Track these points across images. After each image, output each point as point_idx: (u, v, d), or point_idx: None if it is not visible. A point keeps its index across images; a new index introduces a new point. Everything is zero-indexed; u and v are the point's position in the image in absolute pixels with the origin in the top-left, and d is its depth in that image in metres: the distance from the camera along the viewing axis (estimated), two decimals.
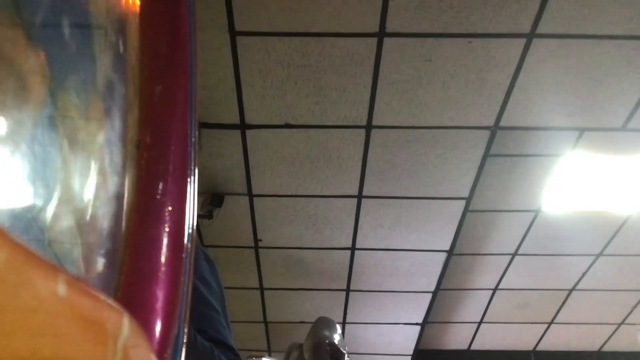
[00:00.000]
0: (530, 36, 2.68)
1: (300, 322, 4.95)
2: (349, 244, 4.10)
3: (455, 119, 3.11)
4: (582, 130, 3.27)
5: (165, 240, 0.49)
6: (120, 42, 0.59)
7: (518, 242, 4.39)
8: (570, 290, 5.08)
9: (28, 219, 0.45)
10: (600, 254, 4.56)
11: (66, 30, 0.53)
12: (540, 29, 2.65)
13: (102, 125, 0.55)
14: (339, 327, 2.51)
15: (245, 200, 3.69)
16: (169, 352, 0.46)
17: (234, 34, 2.67)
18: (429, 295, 4.67)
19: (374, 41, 2.72)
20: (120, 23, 0.60)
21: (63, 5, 0.55)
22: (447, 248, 4.14)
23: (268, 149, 3.31)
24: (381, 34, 2.68)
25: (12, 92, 0.44)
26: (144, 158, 0.53)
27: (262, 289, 4.62)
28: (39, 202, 0.46)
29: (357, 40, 2.71)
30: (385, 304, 4.79)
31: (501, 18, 2.59)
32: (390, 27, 2.65)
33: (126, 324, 0.35)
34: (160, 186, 0.51)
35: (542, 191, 3.86)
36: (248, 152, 3.32)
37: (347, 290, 4.62)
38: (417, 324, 5.09)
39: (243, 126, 3.16)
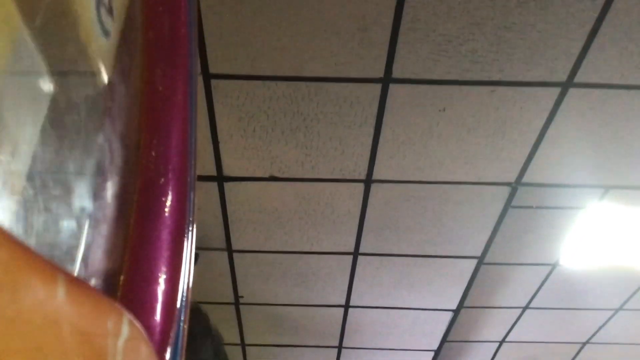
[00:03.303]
0: (567, 85, 2.21)
1: None
2: (343, 302, 3.62)
3: (470, 174, 2.64)
4: (607, 188, 2.82)
5: (165, 240, 0.48)
6: (122, 43, 0.57)
7: (531, 296, 3.95)
8: (584, 344, 4.65)
9: (28, 219, 0.42)
10: (620, 309, 4.14)
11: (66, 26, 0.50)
12: (579, 78, 2.19)
13: (103, 125, 0.54)
14: None
15: (223, 256, 3.20)
16: (169, 350, 0.45)
17: (208, 77, 2.19)
18: (431, 354, 4.19)
19: (377, 87, 2.24)
20: (122, 23, 0.57)
21: None
22: (454, 307, 3.68)
23: (250, 202, 2.83)
24: (386, 80, 2.21)
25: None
26: (144, 158, 0.53)
27: (243, 344, 4.12)
28: (39, 202, 0.44)
29: (358, 86, 2.24)
30: None
31: (533, 65, 2.13)
32: (398, 72, 2.18)
33: (126, 323, 0.35)
34: (160, 186, 0.51)
35: (560, 244, 3.44)
36: (227, 206, 2.84)
37: (339, 347, 4.14)
38: None
39: (221, 178, 2.68)
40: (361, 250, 3.17)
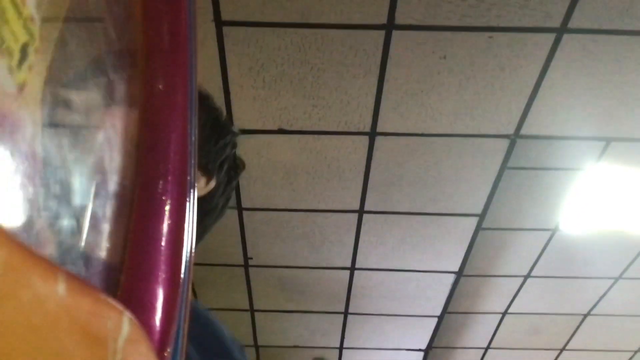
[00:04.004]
0: (562, 31, 2.33)
1: (294, 346, 4.58)
2: (348, 264, 3.73)
3: (471, 126, 2.76)
4: (608, 140, 2.92)
5: (165, 240, 0.49)
6: (121, 40, 0.60)
7: (531, 264, 4.04)
8: (585, 315, 4.73)
9: (28, 219, 0.43)
10: (620, 277, 4.22)
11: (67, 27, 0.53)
12: (573, 23, 2.30)
13: (103, 125, 0.56)
14: None
15: (233, 214, 3.32)
16: (169, 350, 0.45)
17: (220, 23, 2.32)
18: (434, 320, 4.29)
19: (381, 34, 2.37)
20: (121, 21, 0.60)
21: None
22: (456, 269, 3.77)
23: (259, 157, 2.95)
24: (390, 27, 2.33)
25: None
26: (144, 157, 0.52)
27: (252, 310, 4.23)
28: (39, 202, 0.45)
29: (362, 33, 2.36)
30: (386, 328, 4.41)
31: (529, 10, 2.25)
32: (400, 18, 2.30)
33: (126, 322, 0.35)
34: (160, 185, 0.51)
35: (560, 208, 3.53)
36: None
37: (345, 313, 4.24)
38: (420, 350, 4.71)
39: None
40: (366, 208, 3.28)
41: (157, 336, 0.44)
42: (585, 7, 2.25)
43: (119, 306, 0.35)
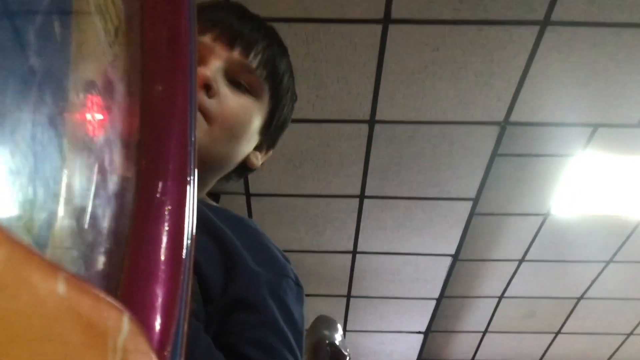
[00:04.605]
0: (545, 23, 2.53)
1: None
2: (350, 248, 3.93)
3: (463, 114, 2.95)
4: (595, 127, 3.11)
5: (165, 239, 0.49)
6: (120, 40, 0.60)
7: (525, 248, 4.24)
8: (579, 299, 4.92)
9: (27, 219, 0.44)
10: (611, 261, 4.41)
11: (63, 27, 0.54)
12: (555, 16, 2.50)
13: (102, 125, 0.56)
14: (340, 327, 2.33)
15: (242, 200, 3.52)
16: (169, 350, 0.46)
17: None
18: (433, 302, 4.49)
19: (378, 28, 2.57)
20: (121, 21, 0.60)
21: None
22: (453, 252, 3.97)
23: None
24: (386, 21, 2.53)
25: None
26: (144, 158, 0.53)
27: None
28: (39, 202, 0.46)
29: (361, 27, 2.56)
30: (387, 311, 4.61)
31: (514, 4, 2.44)
32: (396, 13, 2.50)
33: (126, 322, 0.36)
34: (160, 186, 0.51)
35: (551, 194, 3.72)
36: None
37: (348, 296, 4.44)
38: (420, 332, 4.91)
39: None
40: (367, 193, 3.48)
41: (157, 336, 0.44)
42: (565, 1, 2.44)
43: (119, 306, 0.36)
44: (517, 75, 2.75)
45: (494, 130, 3.07)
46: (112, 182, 0.54)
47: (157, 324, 0.45)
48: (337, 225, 3.72)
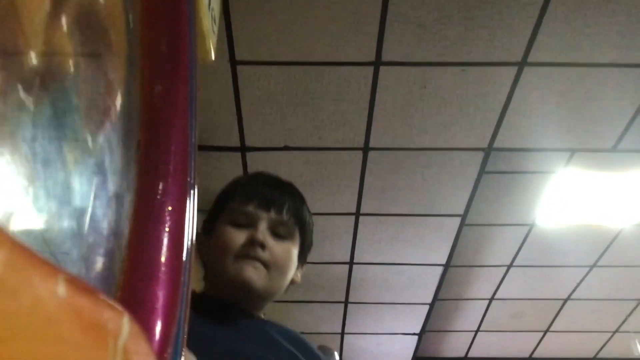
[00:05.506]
0: (522, 64, 2.76)
1: (300, 332, 5.01)
2: (347, 259, 4.19)
3: (450, 141, 3.19)
4: (573, 151, 3.36)
5: (165, 240, 0.49)
6: (121, 41, 0.60)
7: (513, 254, 4.47)
8: (565, 300, 5.16)
9: (27, 219, 0.45)
10: (594, 266, 4.65)
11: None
12: (531, 58, 2.73)
13: (103, 125, 0.55)
14: (337, 355, 2.57)
15: None
16: (169, 351, 0.46)
17: (234, 63, 2.75)
18: (426, 307, 4.76)
19: (370, 70, 2.80)
20: (121, 24, 0.60)
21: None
22: (444, 262, 4.23)
23: (267, 170, 3.38)
24: (377, 63, 2.77)
25: None
26: (144, 158, 0.53)
27: None
28: (39, 202, 0.46)
29: (354, 69, 2.80)
30: (383, 315, 4.88)
31: (494, 48, 2.68)
32: (386, 56, 2.73)
33: (126, 323, 0.35)
34: (161, 186, 0.51)
35: (536, 206, 3.95)
36: (249, 173, 3.40)
37: (346, 302, 4.70)
38: (414, 334, 5.18)
39: (243, 149, 3.25)
40: (362, 211, 3.73)
41: (157, 337, 0.44)
42: (540, 45, 2.67)
43: (119, 307, 0.35)
44: (499, 108, 2.99)
45: (479, 155, 3.31)
46: (113, 183, 0.53)
47: (158, 326, 0.45)
48: (335, 239, 3.97)
